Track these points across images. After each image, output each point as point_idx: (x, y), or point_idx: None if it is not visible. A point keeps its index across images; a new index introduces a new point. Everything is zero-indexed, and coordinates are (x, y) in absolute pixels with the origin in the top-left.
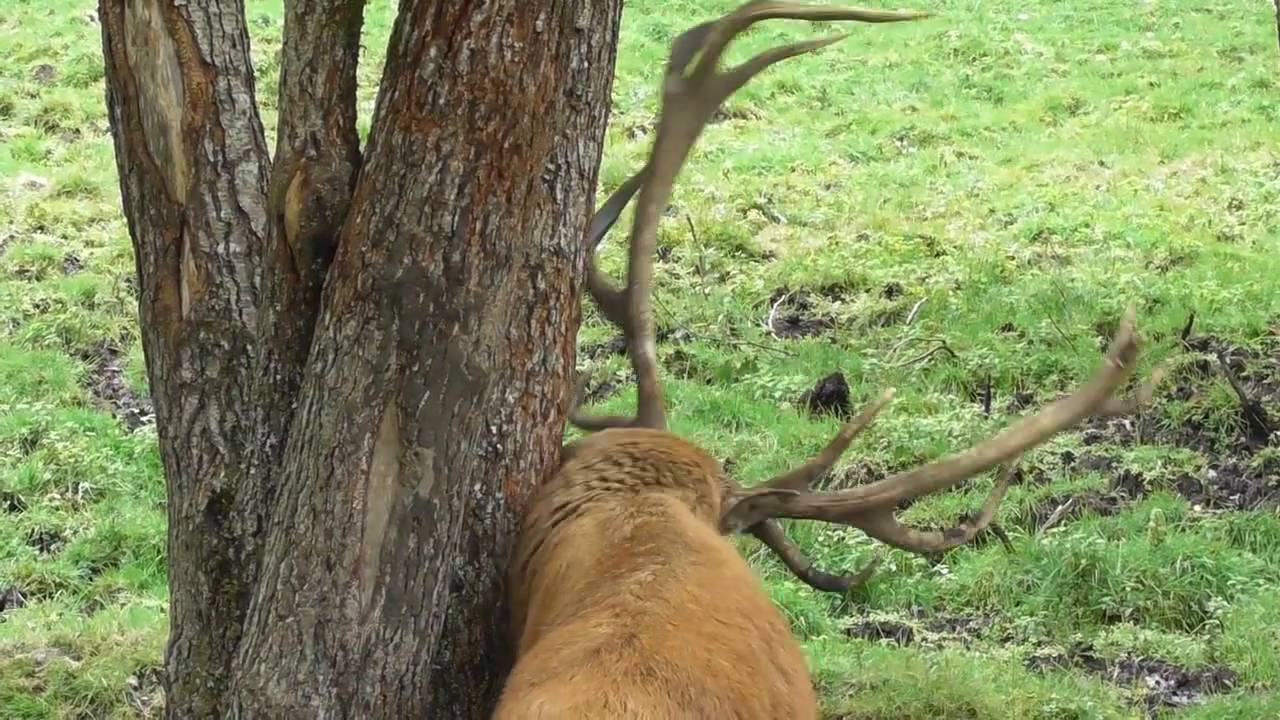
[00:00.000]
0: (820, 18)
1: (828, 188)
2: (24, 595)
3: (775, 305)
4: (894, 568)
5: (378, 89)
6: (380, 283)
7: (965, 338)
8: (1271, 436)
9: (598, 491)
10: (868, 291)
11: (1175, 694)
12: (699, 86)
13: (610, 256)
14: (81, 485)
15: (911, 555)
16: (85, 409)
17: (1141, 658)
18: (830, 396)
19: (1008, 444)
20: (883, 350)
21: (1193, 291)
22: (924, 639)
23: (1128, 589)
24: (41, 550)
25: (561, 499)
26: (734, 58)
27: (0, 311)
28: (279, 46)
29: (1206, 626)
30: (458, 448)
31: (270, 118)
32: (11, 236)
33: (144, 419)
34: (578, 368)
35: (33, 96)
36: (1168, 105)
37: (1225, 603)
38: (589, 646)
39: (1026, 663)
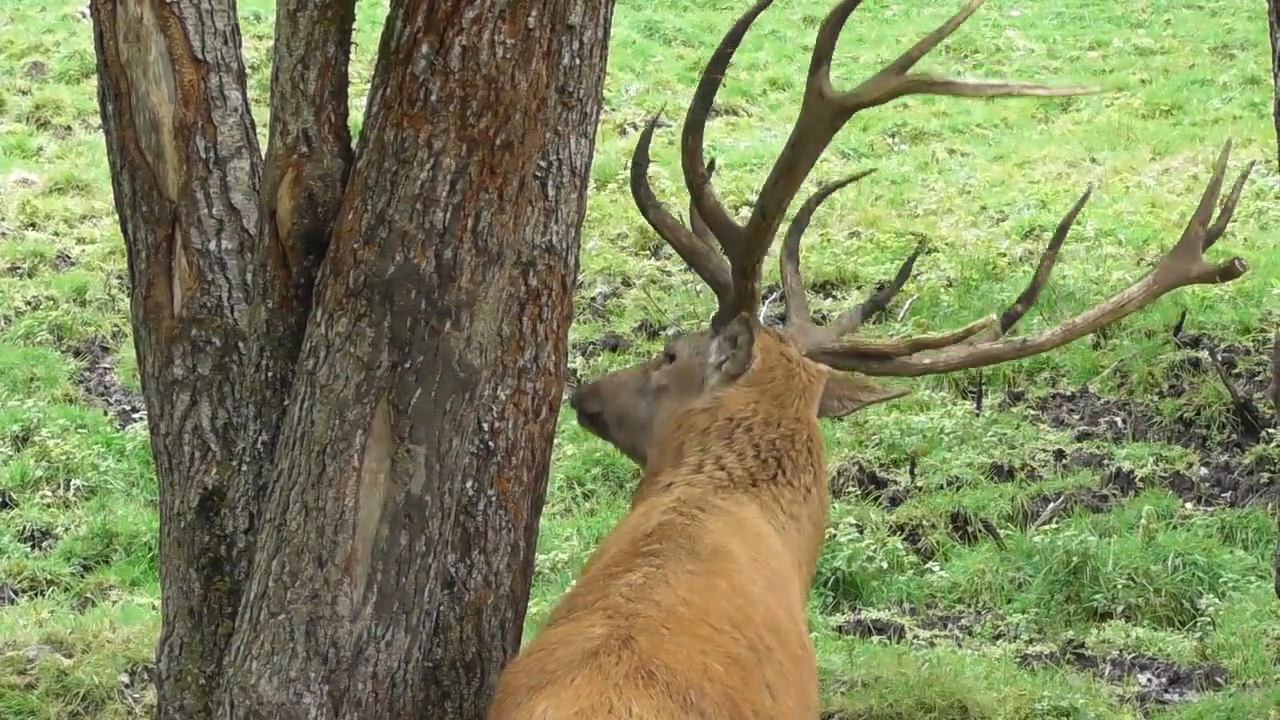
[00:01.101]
0: (995, 94)
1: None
2: (15, 593)
3: (767, 303)
4: (885, 565)
5: (369, 86)
6: (372, 280)
7: None
8: (1263, 434)
9: (701, 480)
10: (859, 289)
11: (1167, 691)
12: (846, 104)
13: (602, 254)
14: (73, 482)
15: (903, 553)
16: (77, 406)
17: (1133, 655)
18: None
19: (1095, 320)
20: None
21: (1184, 289)
22: (915, 636)
23: (1119, 586)
24: (33, 548)
25: (667, 478)
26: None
27: None
28: (271, 43)
29: (1198, 624)
30: (449, 445)
31: (262, 114)
32: (3, 233)
33: (135, 416)
34: (569, 365)
35: (24, 93)
36: (1159, 102)
37: (1217, 600)
38: (585, 648)
39: (1018, 660)
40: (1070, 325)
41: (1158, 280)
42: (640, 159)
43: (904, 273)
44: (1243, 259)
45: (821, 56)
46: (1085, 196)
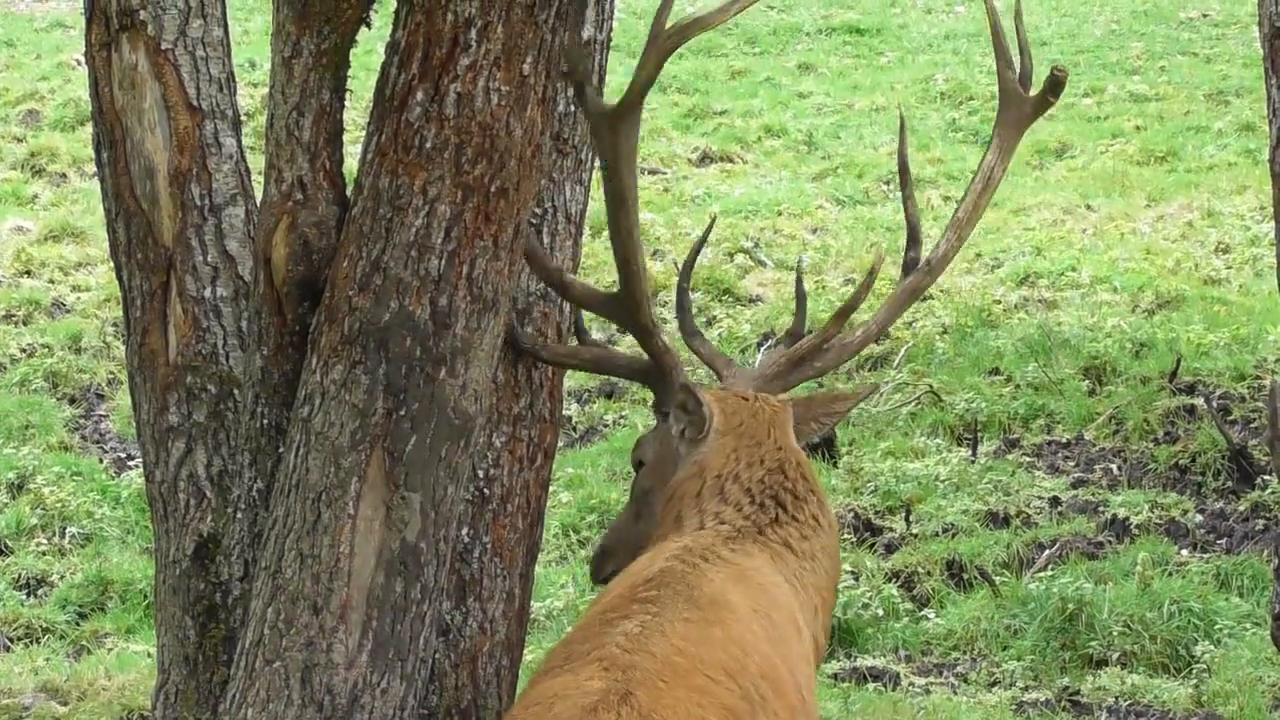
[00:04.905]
0: (742, 8)
1: (814, 231)
2: (10, 640)
3: (762, 350)
4: (881, 612)
5: (364, 132)
6: (367, 327)
7: (952, 382)
8: (1258, 480)
9: (707, 533)
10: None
11: None
12: (629, 100)
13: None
14: (68, 530)
15: (899, 600)
16: (72, 453)
17: (1129, 702)
18: (817, 442)
19: (976, 204)
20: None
21: (1179, 335)
22: (911, 684)
23: (1115, 633)
24: (28, 595)
25: (675, 541)
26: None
27: None
28: (266, 90)
29: (1194, 671)
30: (445, 492)
31: (257, 162)
32: None
33: (131, 463)
34: (564, 412)
35: (19, 141)
36: (1154, 149)
37: (1212, 647)
38: (584, 703)
39: (1014, 707)
40: (957, 222)
41: (1003, 138)
42: (515, 336)
43: (799, 296)
44: (1061, 66)
45: (581, 83)
46: (902, 126)
